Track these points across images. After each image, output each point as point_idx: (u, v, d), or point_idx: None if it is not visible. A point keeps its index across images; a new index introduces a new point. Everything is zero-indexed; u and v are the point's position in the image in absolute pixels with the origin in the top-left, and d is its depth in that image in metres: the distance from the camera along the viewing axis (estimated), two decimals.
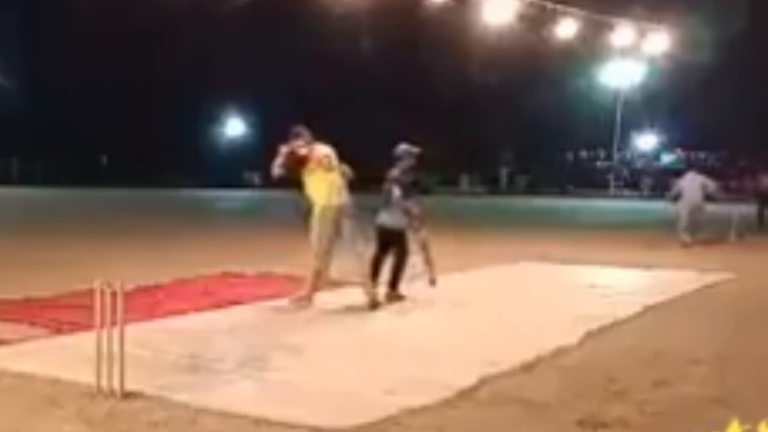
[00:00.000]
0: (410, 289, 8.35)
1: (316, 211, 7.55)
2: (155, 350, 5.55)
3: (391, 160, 8.27)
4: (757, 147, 50.13)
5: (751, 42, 42.09)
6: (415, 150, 8.26)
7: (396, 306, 7.92)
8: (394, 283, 8.16)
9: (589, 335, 6.43)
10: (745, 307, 8.48)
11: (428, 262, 8.46)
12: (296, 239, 15.36)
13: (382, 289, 8.08)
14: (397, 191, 8.04)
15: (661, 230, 17.96)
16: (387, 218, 8.14)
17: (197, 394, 4.51)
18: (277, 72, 51.87)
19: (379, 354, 5.69)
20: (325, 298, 8.15)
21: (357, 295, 7.86)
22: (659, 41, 29.82)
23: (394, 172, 8.14)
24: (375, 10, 27.65)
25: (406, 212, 8.10)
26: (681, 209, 16.19)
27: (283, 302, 7.75)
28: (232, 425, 4.05)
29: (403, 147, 8.29)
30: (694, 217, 16.01)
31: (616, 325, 7.01)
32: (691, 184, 16.37)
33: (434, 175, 56.87)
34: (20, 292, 7.66)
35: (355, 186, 7.94)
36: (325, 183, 7.57)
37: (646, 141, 72.01)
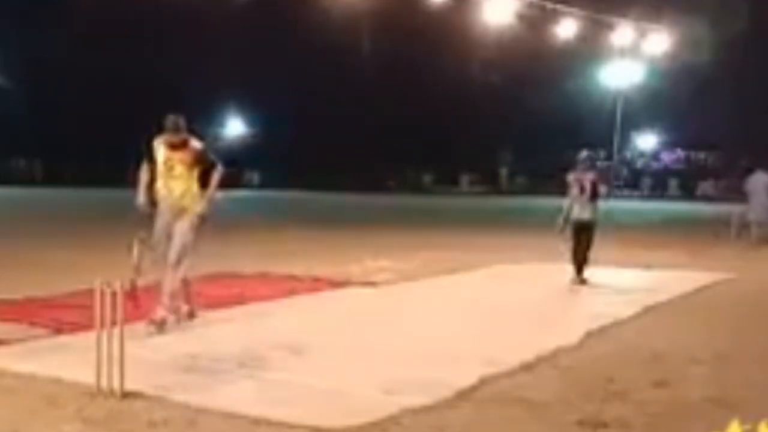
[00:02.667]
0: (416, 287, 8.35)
1: (199, 211, 6.50)
2: (155, 350, 5.55)
3: (571, 164, 10.08)
4: (757, 147, 50.13)
5: (751, 42, 42.08)
6: (594, 155, 9.81)
7: (395, 306, 7.93)
8: (581, 268, 9.61)
9: (589, 335, 6.43)
10: (745, 307, 8.48)
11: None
12: (293, 240, 15.41)
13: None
14: (603, 189, 9.81)
15: (661, 230, 17.96)
16: (583, 213, 9.61)
17: (197, 394, 4.51)
18: (277, 72, 51.85)
19: (380, 354, 5.69)
20: (325, 299, 8.16)
21: (357, 295, 7.86)
22: (659, 41, 29.80)
23: (590, 177, 9.64)
24: (375, 10, 27.66)
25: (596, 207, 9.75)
26: (750, 210, 16.05)
27: (281, 303, 7.75)
28: (232, 425, 4.05)
29: (587, 153, 10.14)
30: (761, 217, 15.93)
31: (616, 325, 7.01)
32: (760, 184, 16.24)
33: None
34: (20, 292, 7.66)
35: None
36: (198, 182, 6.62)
37: (646, 141, 72.03)
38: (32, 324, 6.31)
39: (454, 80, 52.42)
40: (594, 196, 9.60)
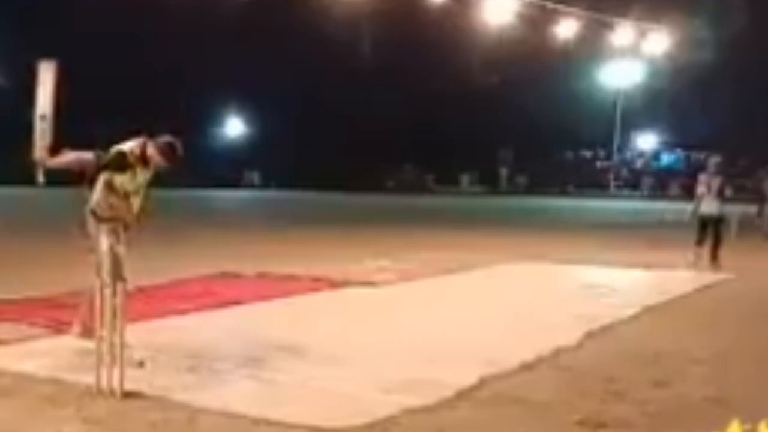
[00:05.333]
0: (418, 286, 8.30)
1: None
2: (155, 350, 5.54)
3: (701, 168, 12.52)
4: (758, 147, 50.16)
5: (751, 42, 42.11)
6: (723, 162, 12.47)
7: (395, 306, 7.93)
8: (715, 255, 11.45)
9: (589, 335, 6.42)
10: (745, 307, 8.48)
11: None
12: (293, 240, 15.40)
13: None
14: (728, 191, 11.94)
15: (661, 230, 17.96)
16: (712, 209, 11.53)
17: (197, 394, 4.51)
18: (277, 71, 51.84)
19: (379, 354, 5.68)
20: (325, 299, 8.15)
21: (357, 295, 7.83)
22: (659, 41, 29.87)
23: (718, 179, 11.65)
24: (375, 10, 27.67)
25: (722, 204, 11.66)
26: None
27: (273, 303, 7.75)
28: (231, 425, 4.04)
29: (716, 159, 12.36)
30: None
31: (616, 325, 7.00)
32: None
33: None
34: (20, 292, 7.66)
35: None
36: None
37: (646, 141, 72.10)
38: (32, 324, 6.30)
39: (454, 80, 52.45)
40: (720, 195, 11.52)
